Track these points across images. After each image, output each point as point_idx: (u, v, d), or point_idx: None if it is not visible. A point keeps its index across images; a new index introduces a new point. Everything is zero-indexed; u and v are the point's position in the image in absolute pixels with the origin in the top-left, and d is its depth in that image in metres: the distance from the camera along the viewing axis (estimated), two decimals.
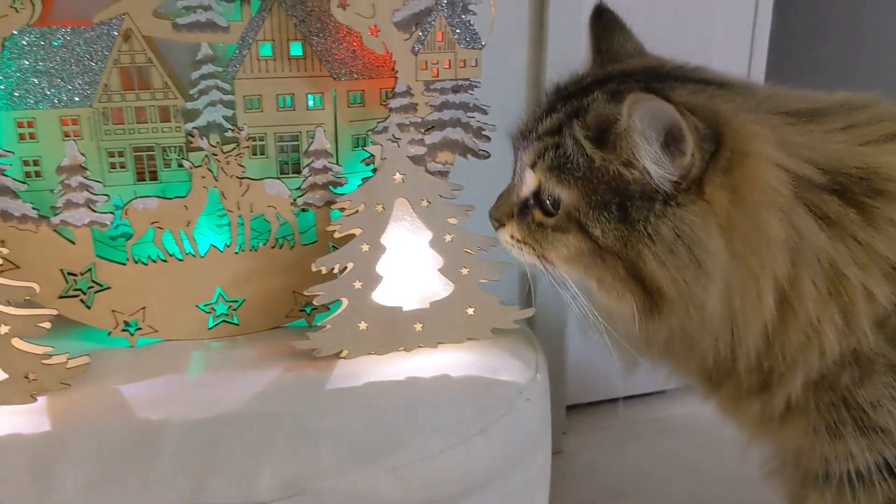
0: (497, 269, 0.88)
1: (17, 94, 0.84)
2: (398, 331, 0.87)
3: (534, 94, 1.23)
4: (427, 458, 0.73)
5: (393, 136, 0.85)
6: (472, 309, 0.88)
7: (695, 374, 0.79)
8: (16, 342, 0.78)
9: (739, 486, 0.90)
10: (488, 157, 0.95)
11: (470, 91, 0.93)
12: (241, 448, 0.73)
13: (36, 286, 0.78)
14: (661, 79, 0.76)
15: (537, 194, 0.75)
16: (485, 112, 0.94)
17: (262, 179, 0.91)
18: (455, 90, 0.92)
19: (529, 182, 0.76)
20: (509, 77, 1.21)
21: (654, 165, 0.67)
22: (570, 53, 1.13)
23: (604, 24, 0.87)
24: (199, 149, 0.89)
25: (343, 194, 0.89)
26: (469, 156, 0.95)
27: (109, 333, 0.91)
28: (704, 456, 1.34)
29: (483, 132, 0.94)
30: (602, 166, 0.70)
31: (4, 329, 0.77)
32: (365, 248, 0.85)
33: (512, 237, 0.79)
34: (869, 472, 0.73)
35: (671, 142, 0.66)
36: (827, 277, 0.69)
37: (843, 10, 1.65)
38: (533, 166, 0.75)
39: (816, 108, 0.74)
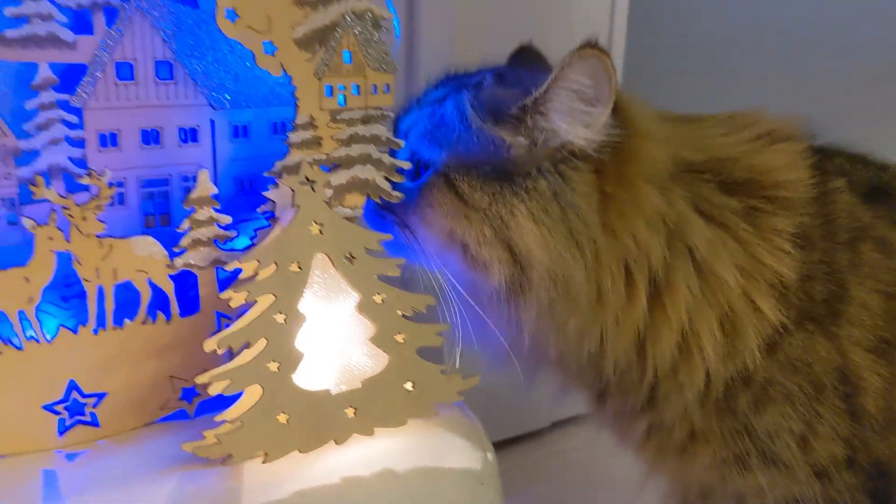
0: (436, 331, 0.74)
1: None
2: (326, 420, 0.70)
3: None
4: None
5: (306, 177, 0.69)
6: (411, 383, 0.73)
7: (575, 381, 0.76)
8: None
9: None
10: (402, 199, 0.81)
11: (382, 122, 0.78)
12: None
13: None
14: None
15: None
16: (399, 146, 0.79)
17: (128, 238, 0.71)
18: (365, 121, 0.77)
19: None
20: None
21: (580, 127, 0.66)
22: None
23: (523, 57, 0.85)
24: (38, 200, 0.67)
25: (234, 251, 0.71)
26: (382, 198, 0.80)
27: None
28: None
29: (398, 170, 0.80)
30: (479, 131, 0.71)
31: None
32: (280, 318, 0.67)
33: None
34: None
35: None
36: (701, 278, 0.66)
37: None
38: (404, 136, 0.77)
39: (699, 116, 0.76)
